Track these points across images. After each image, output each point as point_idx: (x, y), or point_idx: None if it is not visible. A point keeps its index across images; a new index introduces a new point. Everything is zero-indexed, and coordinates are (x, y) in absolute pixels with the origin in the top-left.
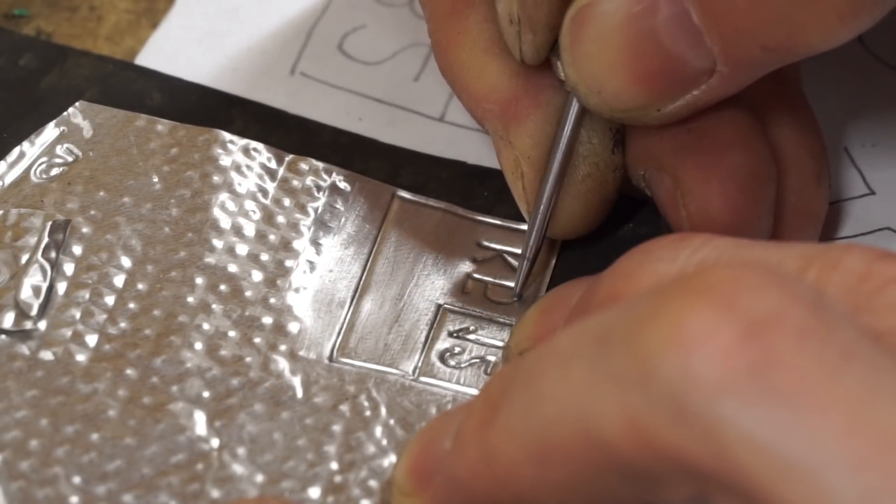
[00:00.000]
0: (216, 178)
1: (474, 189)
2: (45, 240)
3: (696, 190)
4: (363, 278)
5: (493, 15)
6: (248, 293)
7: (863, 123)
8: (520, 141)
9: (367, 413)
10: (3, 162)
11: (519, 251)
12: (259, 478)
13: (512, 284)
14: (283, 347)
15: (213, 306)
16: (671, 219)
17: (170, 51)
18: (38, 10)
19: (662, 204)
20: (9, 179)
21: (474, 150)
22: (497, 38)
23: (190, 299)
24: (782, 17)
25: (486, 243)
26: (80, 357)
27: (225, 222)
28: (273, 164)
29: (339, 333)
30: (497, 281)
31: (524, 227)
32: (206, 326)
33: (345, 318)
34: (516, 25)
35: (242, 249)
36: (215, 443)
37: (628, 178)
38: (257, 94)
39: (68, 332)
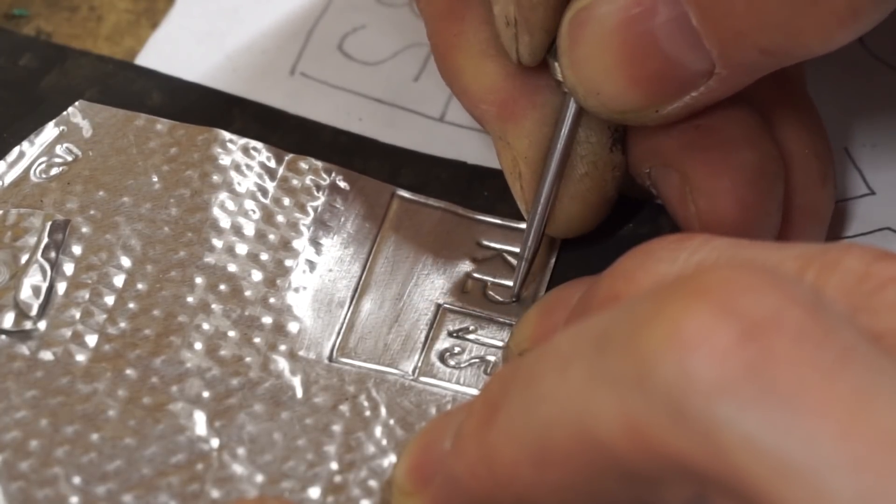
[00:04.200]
0: (216, 178)
1: (474, 189)
2: (45, 240)
3: (704, 186)
4: (363, 278)
5: (489, 16)
6: (247, 293)
7: (863, 124)
8: (517, 141)
9: (367, 413)
10: (2, 162)
11: (519, 250)
12: (259, 478)
13: (512, 284)
14: (282, 347)
15: (213, 306)
16: (679, 215)
17: (169, 51)
18: (38, 10)
19: (670, 201)
20: (8, 179)
21: (474, 150)
22: (493, 40)
23: (189, 299)
24: (781, 21)
25: (485, 243)
26: (80, 357)
27: (224, 222)
28: (272, 164)
29: (338, 333)
30: (497, 280)
31: (524, 226)
32: (205, 326)
33: (344, 318)
34: (513, 27)
35: (242, 249)
36: (215, 443)
37: (628, 178)
38: (257, 94)
39: (68, 333)
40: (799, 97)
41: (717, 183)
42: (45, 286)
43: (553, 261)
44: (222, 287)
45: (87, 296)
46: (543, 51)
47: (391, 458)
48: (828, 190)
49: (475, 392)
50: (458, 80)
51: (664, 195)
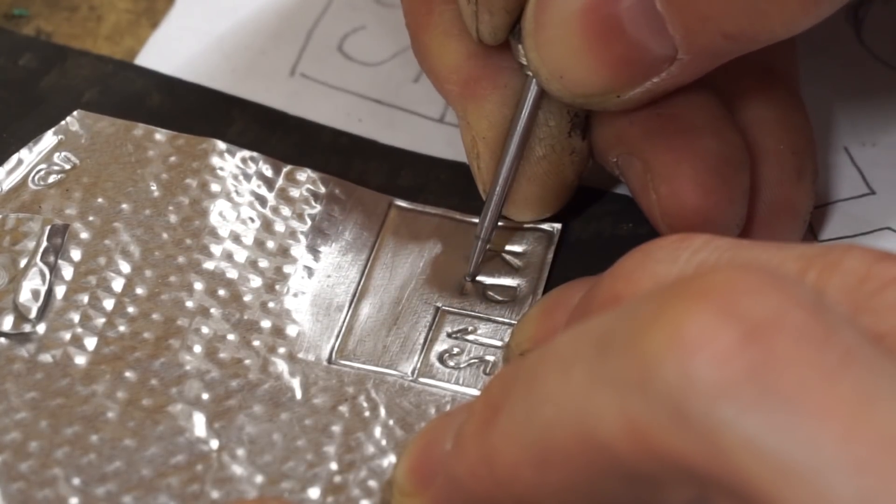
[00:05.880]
0: (214, 187)
1: (474, 190)
2: (44, 244)
3: (665, 173)
4: (361, 283)
5: None
6: (246, 298)
7: (863, 123)
8: (477, 121)
9: (367, 414)
10: (0, 169)
11: (518, 250)
12: (259, 479)
13: (511, 283)
14: (281, 350)
15: (212, 310)
16: (642, 204)
17: (169, 51)
18: (38, 10)
19: (634, 189)
20: (7, 186)
21: None
22: (458, 19)
23: (189, 303)
24: (745, 4)
25: None
26: (80, 359)
27: (223, 230)
28: (270, 174)
29: (337, 336)
30: (495, 281)
31: (525, 226)
32: (205, 330)
33: (343, 322)
34: (473, 4)
35: (241, 256)
36: (215, 444)
37: (603, 169)
38: (257, 95)
39: (67, 335)
40: (782, 94)
41: (678, 169)
42: (43, 289)
43: (551, 258)
44: (221, 292)
45: (86, 299)
46: (505, 31)
47: (391, 459)
48: (804, 185)
49: (475, 392)
50: (425, 59)
51: (629, 183)
